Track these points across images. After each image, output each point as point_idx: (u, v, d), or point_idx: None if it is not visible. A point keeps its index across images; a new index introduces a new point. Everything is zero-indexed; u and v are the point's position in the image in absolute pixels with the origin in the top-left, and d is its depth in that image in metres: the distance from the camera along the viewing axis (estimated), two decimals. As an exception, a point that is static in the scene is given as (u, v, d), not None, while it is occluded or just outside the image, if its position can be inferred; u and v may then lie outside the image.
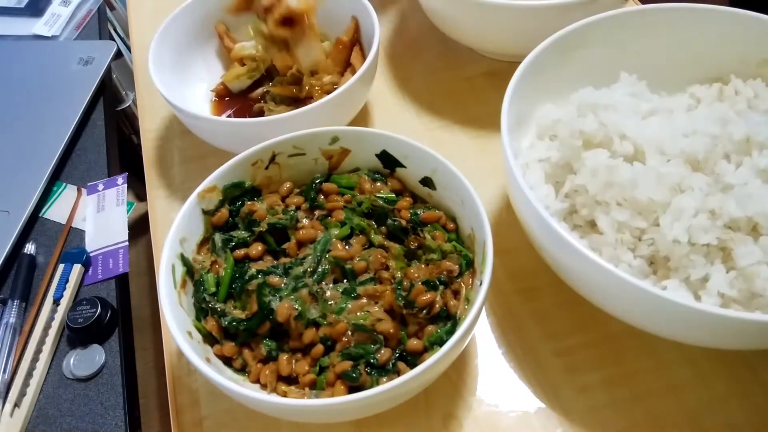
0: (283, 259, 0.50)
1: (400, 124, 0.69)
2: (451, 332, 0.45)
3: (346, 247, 0.50)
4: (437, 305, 0.46)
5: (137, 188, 0.85)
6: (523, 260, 0.55)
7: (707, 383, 0.49)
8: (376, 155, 0.54)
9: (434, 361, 0.40)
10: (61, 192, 0.68)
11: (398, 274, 0.48)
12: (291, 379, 0.46)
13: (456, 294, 0.48)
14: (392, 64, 0.75)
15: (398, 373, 0.44)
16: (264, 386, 0.46)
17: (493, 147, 0.65)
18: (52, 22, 0.88)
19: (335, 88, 0.60)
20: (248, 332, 0.47)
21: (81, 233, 0.64)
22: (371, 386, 0.43)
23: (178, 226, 0.48)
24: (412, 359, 0.45)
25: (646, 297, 0.40)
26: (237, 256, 0.50)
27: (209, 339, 0.48)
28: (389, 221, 0.52)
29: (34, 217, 0.66)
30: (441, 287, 0.47)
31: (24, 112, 0.75)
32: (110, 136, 0.74)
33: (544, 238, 0.47)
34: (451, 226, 0.52)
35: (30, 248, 0.63)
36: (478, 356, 0.51)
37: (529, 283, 0.55)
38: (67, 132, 0.72)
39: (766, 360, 0.49)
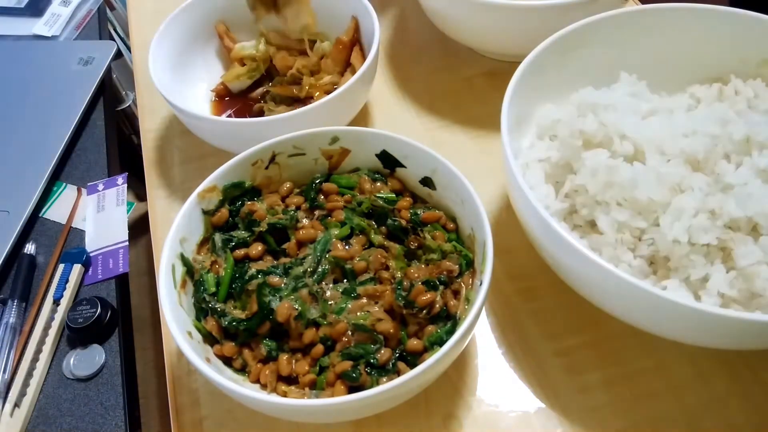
0: (283, 259, 0.50)
1: (400, 124, 0.69)
2: (451, 332, 0.45)
3: (346, 247, 0.50)
4: (437, 305, 0.46)
5: (137, 188, 0.85)
6: (523, 260, 0.55)
7: (707, 383, 0.49)
8: (376, 155, 0.54)
9: (434, 361, 0.40)
10: (61, 192, 0.68)
11: (398, 274, 0.48)
12: (291, 379, 0.46)
13: (456, 294, 0.48)
14: (392, 64, 0.75)
15: (398, 373, 0.44)
16: (264, 386, 0.46)
17: (493, 147, 0.65)
18: (52, 22, 0.88)
19: (335, 88, 0.60)
20: (248, 332, 0.47)
21: (81, 233, 0.64)
22: (371, 386, 0.43)
23: (178, 226, 0.48)
24: (412, 359, 0.45)
25: (646, 297, 0.40)
26: (237, 256, 0.50)
27: (209, 339, 0.48)
28: (389, 221, 0.52)
29: (34, 217, 0.66)
30: (441, 287, 0.47)
31: (24, 112, 0.75)
32: (110, 136, 0.74)
33: (544, 238, 0.47)
34: (451, 226, 0.52)
35: (30, 248, 0.63)
36: (478, 356, 0.51)
37: (529, 283, 0.55)
38: (67, 132, 0.72)
39: (766, 360, 0.49)
